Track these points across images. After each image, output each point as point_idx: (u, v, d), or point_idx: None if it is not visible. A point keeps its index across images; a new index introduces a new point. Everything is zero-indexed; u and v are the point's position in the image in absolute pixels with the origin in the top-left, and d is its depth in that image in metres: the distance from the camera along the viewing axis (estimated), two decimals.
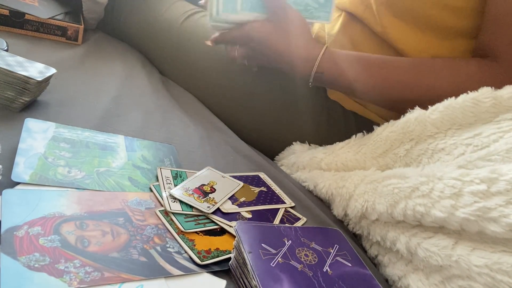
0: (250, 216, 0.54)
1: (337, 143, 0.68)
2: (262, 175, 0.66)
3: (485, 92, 0.50)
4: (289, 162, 0.74)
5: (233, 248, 0.45)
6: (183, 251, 0.45)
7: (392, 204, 0.49)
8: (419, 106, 0.56)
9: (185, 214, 0.50)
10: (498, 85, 0.51)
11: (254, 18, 0.68)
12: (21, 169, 0.47)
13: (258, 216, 0.54)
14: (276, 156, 0.78)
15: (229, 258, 0.45)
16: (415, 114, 0.56)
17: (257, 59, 0.71)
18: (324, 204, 0.65)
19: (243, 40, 0.70)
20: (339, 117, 0.78)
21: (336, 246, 0.48)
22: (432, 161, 0.52)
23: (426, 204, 0.45)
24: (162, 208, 0.50)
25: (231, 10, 0.68)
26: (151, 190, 0.53)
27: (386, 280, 0.54)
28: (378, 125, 0.62)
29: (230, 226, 0.50)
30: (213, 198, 0.54)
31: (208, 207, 0.52)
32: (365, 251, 0.59)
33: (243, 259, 0.42)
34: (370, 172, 0.57)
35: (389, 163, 0.58)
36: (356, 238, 0.61)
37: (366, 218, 0.56)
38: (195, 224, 0.49)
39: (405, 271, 0.49)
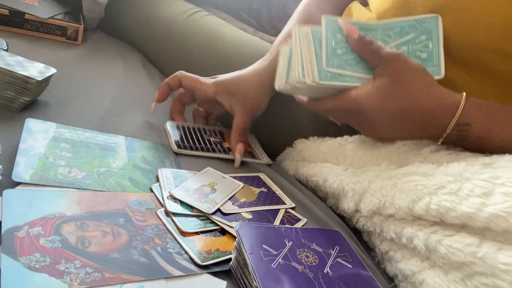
0: (250, 217, 0.54)
1: (344, 136, 0.67)
2: (263, 176, 0.66)
3: None
4: (294, 158, 0.73)
5: (233, 249, 0.45)
6: (183, 252, 0.45)
7: (415, 200, 0.49)
8: None
9: (186, 215, 0.50)
10: None
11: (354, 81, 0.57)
12: (22, 169, 0.47)
13: (258, 216, 0.54)
14: (278, 156, 0.77)
15: (230, 259, 0.45)
16: None
17: (367, 127, 0.60)
18: (325, 204, 0.65)
19: (349, 111, 0.58)
20: None
21: (337, 247, 0.48)
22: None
23: (453, 200, 0.45)
24: (163, 209, 0.50)
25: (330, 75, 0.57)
26: (152, 191, 0.53)
27: (391, 279, 0.54)
28: None
29: (231, 227, 0.50)
30: (214, 198, 0.54)
31: (209, 207, 0.52)
32: (370, 249, 0.59)
33: (244, 260, 0.42)
34: (384, 167, 0.56)
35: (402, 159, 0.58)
36: (359, 236, 0.61)
37: (379, 214, 0.55)
38: (195, 225, 0.49)
39: (420, 267, 0.49)
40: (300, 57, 0.59)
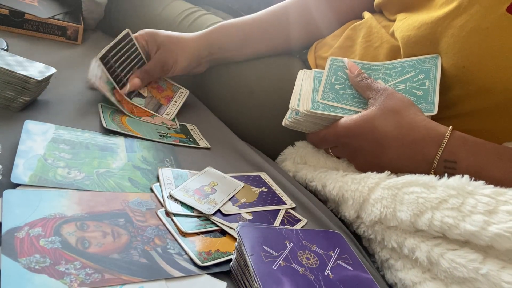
0: (250, 217, 0.54)
1: None
2: (263, 175, 0.65)
3: None
4: (295, 160, 0.73)
5: (234, 250, 0.45)
6: (183, 253, 0.45)
7: (417, 214, 0.48)
8: None
9: (186, 215, 0.50)
10: None
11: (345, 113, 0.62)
12: (21, 171, 0.47)
13: (258, 217, 0.54)
14: (279, 156, 0.77)
15: (230, 260, 0.45)
16: None
17: (357, 156, 0.62)
18: (325, 206, 0.65)
19: (339, 136, 0.62)
20: None
21: (337, 250, 0.48)
22: None
23: (456, 216, 0.45)
24: (163, 209, 0.50)
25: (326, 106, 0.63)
26: (152, 191, 0.53)
27: (390, 286, 0.54)
28: None
29: (231, 228, 0.50)
30: (214, 199, 0.54)
31: (209, 208, 0.52)
32: (369, 254, 0.59)
33: (245, 261, 0.42)
34: (384, 175, 0.56)
35: None
36: (359, 239, 0.61)
37: (380, 223, 0.54)
38: (195, 225, 0.49)
39: (421, 278, 0.48)
40: (299, 92, 0.67)
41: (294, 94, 0.69)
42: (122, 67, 0.72)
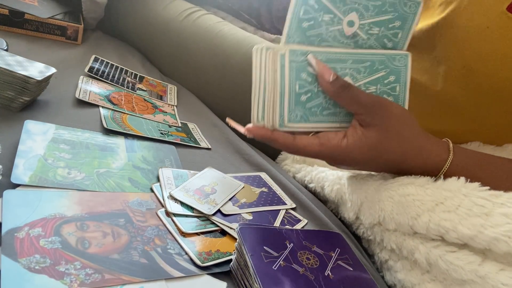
0: (251, 217, 0.54)
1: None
2: (264, 175, 0.65)
3: None
4: (294, 158, 0.73)
5: (234, 250, 0.45)
6: (183, 253, 0.45)
7: (414, 217, 0.48)
8: None
9: (186, 215, 0.50)
10: None
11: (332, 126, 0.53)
12: (21, 171, 0.47)
13: (259, 217, 0.54)
14: (279, 156, 0.77)
15: (230, 260, 0.45)
16: None
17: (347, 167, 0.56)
18: (325, 206, 0.65)
19: (336, 160, 0.52)
20: None
21: (338, 250, 0.48)
22: None
23: (452, 220, 0.45)
24: (163, 209, 0.50)
25: (299, 119, 0.51)
26: (152, 191, 0.53)
27: (390, 287, 0.54)
28: None
29: (231, 228, 0.50)
30: (214, 199, 0.54)
31: (209, 209, 0.52)
32: (368, 255, 0.59)
33: (245, 261, 0.42)
34: (379, 176, 0.55)
35: None
36: (358, 240, 0.61)
37: (379, 225, 0.54)
38: (196, 225, 0.49)
39: (420, 279, 0.48)
40: (263, 94, 0.51)
41: (254, 94, 0.52)
42: (115, 75, 0.80)
